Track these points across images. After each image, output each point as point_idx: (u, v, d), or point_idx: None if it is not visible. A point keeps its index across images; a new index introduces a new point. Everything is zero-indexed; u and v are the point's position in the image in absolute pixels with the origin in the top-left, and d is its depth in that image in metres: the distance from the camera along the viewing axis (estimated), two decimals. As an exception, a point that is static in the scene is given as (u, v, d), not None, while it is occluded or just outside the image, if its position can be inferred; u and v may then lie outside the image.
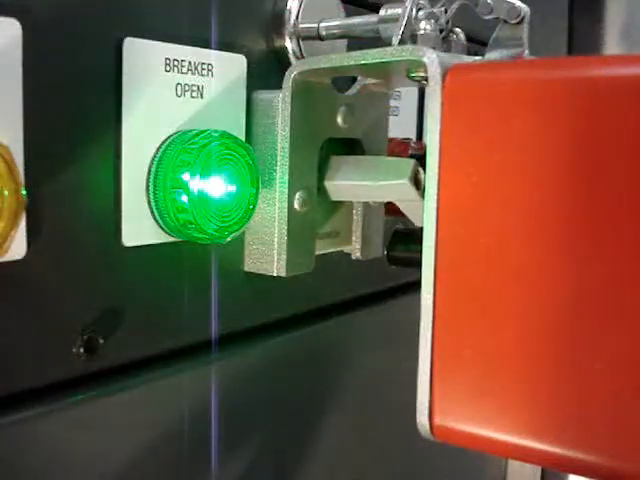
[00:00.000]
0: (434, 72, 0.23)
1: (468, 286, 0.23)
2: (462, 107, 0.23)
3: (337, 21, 0.33)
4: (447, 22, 0.29)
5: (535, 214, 0.22)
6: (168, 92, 0.28)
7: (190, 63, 0.29)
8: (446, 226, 0.23)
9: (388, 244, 0.36)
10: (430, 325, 0.23)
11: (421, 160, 0.31)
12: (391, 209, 0.35)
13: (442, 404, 0.23)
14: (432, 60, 0.24)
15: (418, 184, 0.30)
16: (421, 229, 0.24)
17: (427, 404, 0.24)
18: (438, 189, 0.23)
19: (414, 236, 0.34)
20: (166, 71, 0.28)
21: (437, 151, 0.23)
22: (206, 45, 0.29)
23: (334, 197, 0.33)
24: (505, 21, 0.26)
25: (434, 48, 0.28)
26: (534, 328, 0.22)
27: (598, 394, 0.21)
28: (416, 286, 0.25)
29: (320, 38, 0.33)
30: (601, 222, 0.21)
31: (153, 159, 0.27)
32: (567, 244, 0.21)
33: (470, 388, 0.23)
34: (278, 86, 0.30)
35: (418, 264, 0.30)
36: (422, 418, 0.24)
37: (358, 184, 0.33)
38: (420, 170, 0.30)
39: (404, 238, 0.36)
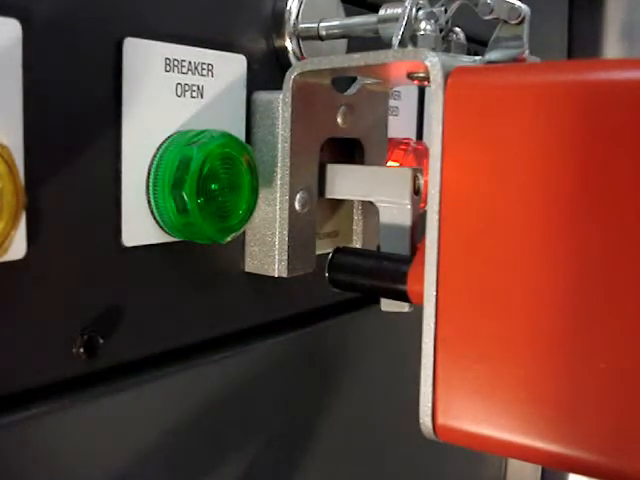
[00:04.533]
0: (436, 75, 0.23)
1: (471, 286, 0.23)
2: (464, 109, 0.23)
3: (337, 21, 0.33)
4: (447, 22, 0.29)
5: (538, 214, 0.22)
6: (168, 92, 0.28)
7: (190, 63, 0.28)
8: (449, 226, 0.23)
9: (328, 264, 0.30)
10: (433, 325, 0.23)
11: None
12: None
13: (445, 404, 0.23)
14: (434, 63, 0.23)
15: (417, 191, 0.30)
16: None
17: (430, 404, 0.24)
18: (441, 190, 0.23)
19: (359, 257, 0.30)
20: (166, 71, 0.28)
21: (439, 153, 0.23)
22: (206, 45, 0.29)
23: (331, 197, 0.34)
24: (505, 21, 0.26)
25: (434, 48, 0.28)
26: (537, 329, 0.22)
27: (600, 394, 0.21)
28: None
29: (320, 38, 0.33)
30: (603, 220, 0.21)
31: (153, 159, 0.27)
32: (570, 244, 0.21)
33: (473, 388, 0.23)
34: (278, 86, 0.30)
35: (363, 290, 0.30)
36: (425, 418, 0.24)
37: (359, 199, 0.33)
38: (419, 176, 0.30)
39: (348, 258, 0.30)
